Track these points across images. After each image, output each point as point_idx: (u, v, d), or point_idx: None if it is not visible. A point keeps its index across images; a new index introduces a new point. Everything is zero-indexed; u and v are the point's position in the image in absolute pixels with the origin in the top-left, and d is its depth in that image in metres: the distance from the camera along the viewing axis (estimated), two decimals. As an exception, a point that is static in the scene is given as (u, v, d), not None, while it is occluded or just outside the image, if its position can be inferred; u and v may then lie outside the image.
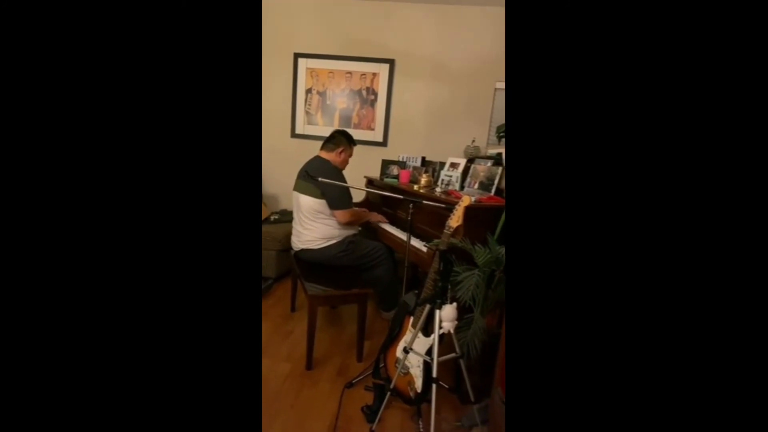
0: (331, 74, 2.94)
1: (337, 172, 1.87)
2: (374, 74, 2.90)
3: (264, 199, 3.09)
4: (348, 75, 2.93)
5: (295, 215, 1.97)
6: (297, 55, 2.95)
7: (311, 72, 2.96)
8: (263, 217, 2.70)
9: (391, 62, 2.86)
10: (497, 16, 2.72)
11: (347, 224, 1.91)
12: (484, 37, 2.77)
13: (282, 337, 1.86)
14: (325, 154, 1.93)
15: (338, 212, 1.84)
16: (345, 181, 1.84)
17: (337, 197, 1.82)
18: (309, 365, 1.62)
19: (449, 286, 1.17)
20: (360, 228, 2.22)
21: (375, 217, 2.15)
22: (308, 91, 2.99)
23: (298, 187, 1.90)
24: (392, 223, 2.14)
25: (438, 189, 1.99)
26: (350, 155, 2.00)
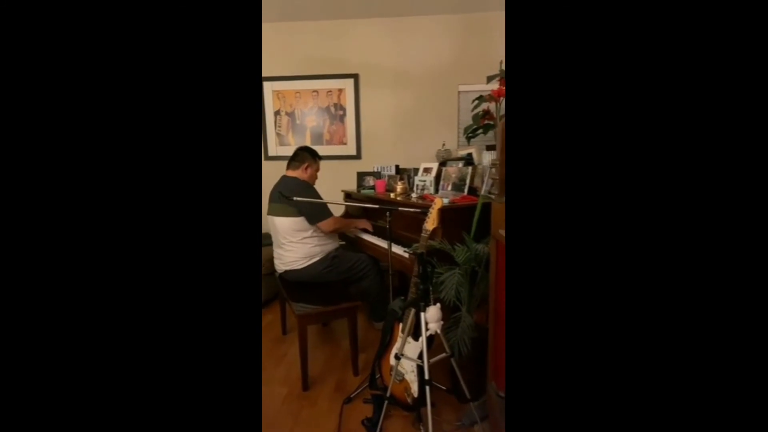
0: (297, 94, 2.98)
1: (307, 187, 1.89)
2: (340, 90, 2.94)
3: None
4: (314, 93, 2.97)
5: (273, 238, 1.97)
6: (261, 79, 2.97)
7: (277, 94, 2.99)
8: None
9: (355, 77, 2.92)
10: (451, 23, 2.82)
11: (333, 232, 1.94)
12: (441, 44, 2.86)
13: (276, 361, 1.84)
14: (291, 173, 1.95)
15: (322, 224, 1.85)
16: (317, 194, 1.87)
17: (315, 211, 1.83)
18: (305, 386, 1.60)
19: (431, 288, 1.19)
20: (343, 242, 2.23)
21: (362, 223, 2.17)
22: (276, 113, 3.01)
23: (272, 211, 1.91)
24: (374, 232, 2.16)
25: (414, 194, 2.02)
26: (317, 170, 2.02)
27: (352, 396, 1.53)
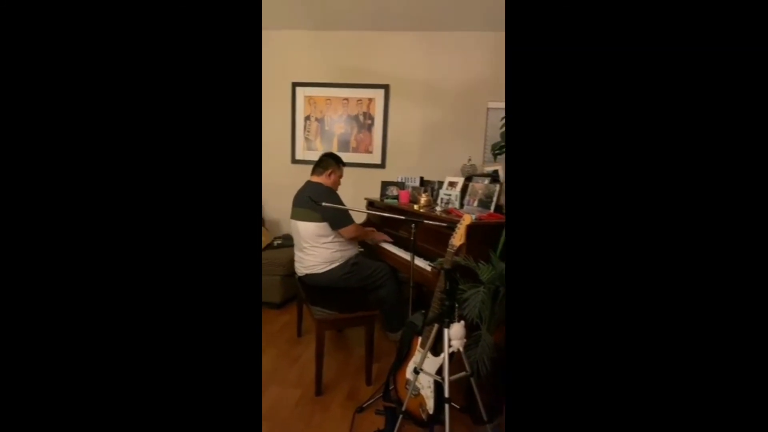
0: (328, 101, 3.04)
1: (331, 192, 1.92)
2: (370, 99, 2.99)
3: (266, 225, 3.12)
4: (345, 101, 3.02)
5: (295, 242, 2.00)
6: (295, 84, 3.05)
7: (309, 100, 3.06)
8: (266, 243, 2.72)
9: (386, 87, 2.96)
10: (483, 39, 2.84)
11: (354, 239, 1.97)
12: (472, 60, 2.88)
13: (290, 363, 1.85)
14: (316, 178, 1.99)
15: (344, 230, 1.88)
16: (340, 200, 1.90)
17: (339, 217, 1.86)
18: (318, 391, 1.61)
19: (456, 305, 1.19)
20: (362, 249, 2.25)
21: (379, 236, 2.18)
22: (307, 118, 3.08)
23: (295, 215, 1.95)
24: (394, 242, 2.17)
25: (438, 208, 2.02)
26: (340, 176, 2.05)
27: (364, 406, 1.52)
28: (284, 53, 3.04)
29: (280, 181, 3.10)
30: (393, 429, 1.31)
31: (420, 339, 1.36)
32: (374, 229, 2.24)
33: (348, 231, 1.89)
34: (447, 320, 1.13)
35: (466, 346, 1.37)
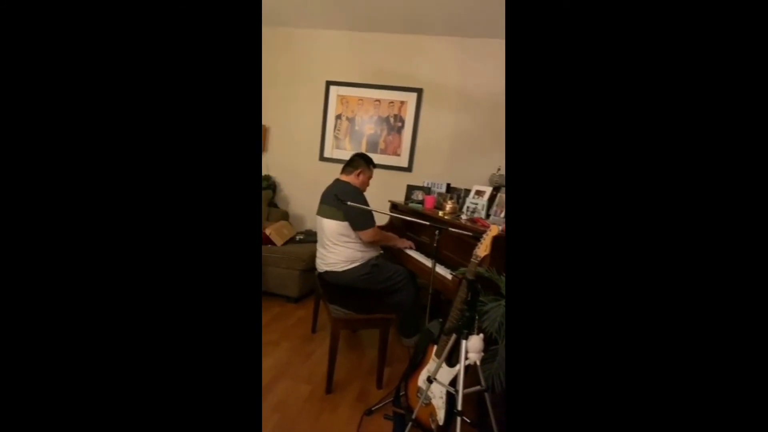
0: (360, 101, 3.06)
1: (357, 192, 1.91)
2: (402, 102, 2.99)
3: (290, 219, 3.17)
4: (377, 102, 3.03)
5: (318, 238, 2.02)
6: (329, 83, 3.09)
7: (342, 99, 3.09)
8: (289, 237, 2.76)
9: (419, 91, 2.95)
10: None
11: (372, 243, 1.95)
12: (510, 69, 2.83)
13: (303, 359, 1.87)
14: (345, 177, 1.99)
15: (362, 232, 1.87)
16: (366, 201, 1.90)
17: (360, 218, 1.86)
18: (329, 389, 1.61)
19: (477, 317, 1.16)
20: (382, 251, 2.24)
21: (403, 242, 2.16)
22: (338, 117, 3.11)
23: (321, 212, 1.96)
24: (415, 247, 2.15)
25: (464, 216, 1.99)
26: (369, 177, 2.05)
27: (373, 409, 1.51)
28: (320, 52, 3.08)
29: (306, 177, 3.15)
30: (401, 436, 1.30)
31: (435, 347, 1.34)
32: (396, 236, 2.22)
33: (366, 234, 1.88)
34: (466, 331, 1.10)
35: (483, 360, 1.34)
